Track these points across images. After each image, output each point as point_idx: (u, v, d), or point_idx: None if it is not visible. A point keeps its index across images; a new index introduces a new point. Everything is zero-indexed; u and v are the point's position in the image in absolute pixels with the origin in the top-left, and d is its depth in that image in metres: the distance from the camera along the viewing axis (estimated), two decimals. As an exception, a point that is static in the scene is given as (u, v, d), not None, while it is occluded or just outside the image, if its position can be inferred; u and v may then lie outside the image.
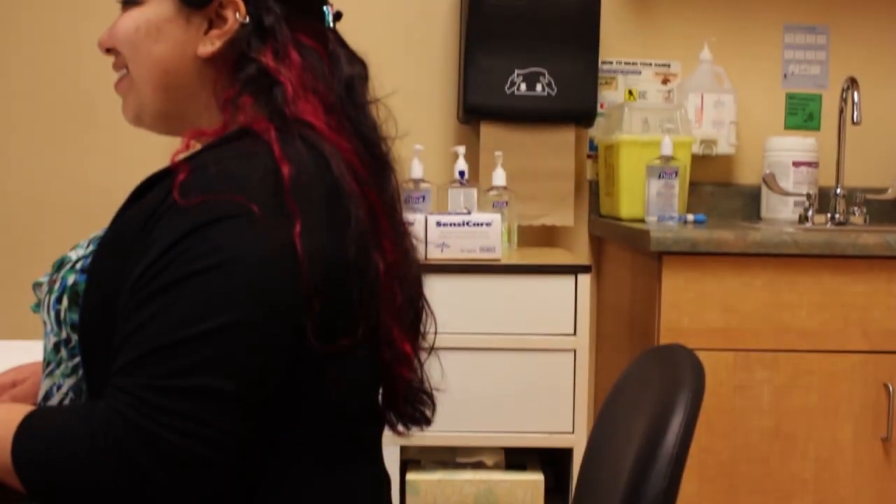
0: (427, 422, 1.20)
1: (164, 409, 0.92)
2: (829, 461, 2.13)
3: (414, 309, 1.15)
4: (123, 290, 0.98)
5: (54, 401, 1.07)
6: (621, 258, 2.47)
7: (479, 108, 2.55)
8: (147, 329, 0.93)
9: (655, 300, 2.10)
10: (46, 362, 1.09)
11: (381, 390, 1.16)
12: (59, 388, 1.08)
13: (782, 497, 2.14)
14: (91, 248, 1.08)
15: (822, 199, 2.65)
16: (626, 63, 2.76)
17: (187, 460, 0.92)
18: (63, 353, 1.07)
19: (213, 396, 0.93)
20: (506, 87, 2.52)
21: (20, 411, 0.99)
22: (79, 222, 2.68)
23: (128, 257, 0.99)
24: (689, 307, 2.08)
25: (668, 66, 2.77)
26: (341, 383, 1.04)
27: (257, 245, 0.95)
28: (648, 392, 1.20)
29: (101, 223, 1.10)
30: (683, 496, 2.14)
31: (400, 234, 1.12)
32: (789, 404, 2.12)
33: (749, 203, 2.76)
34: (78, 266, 1.06)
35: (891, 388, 2.10)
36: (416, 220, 2.10)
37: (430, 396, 1.20)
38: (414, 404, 1.18)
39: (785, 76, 2.79)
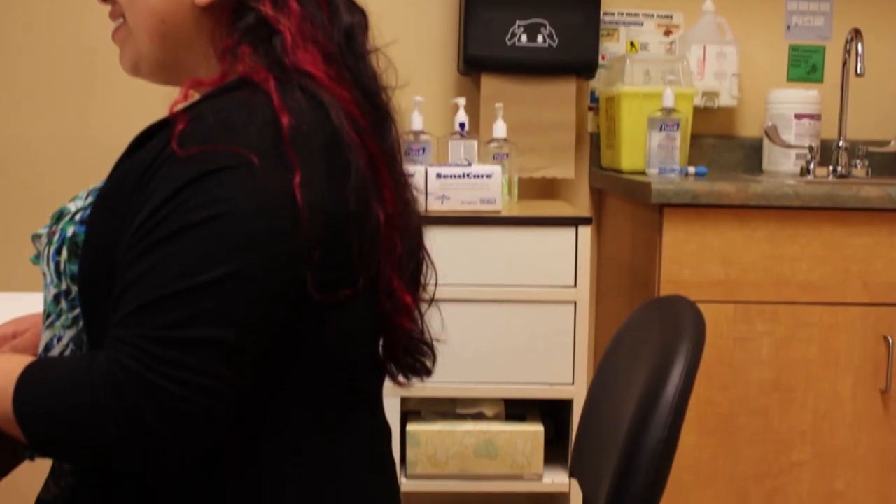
0: (427, 372, 1.21)
1: (164, 359, 0.92)
2: (828, 413, 2.14)
3: (414, 260, 1.15)
4: (122, 240, 0.97)
5: (55, 352, 1.07)
6: (622, 210, 2.47)
7: (479, 59, 2.53)
8: (147, 280, 0.93)
9: (656, 252, 2.10)
10: (46, 314, 1.09)
11: (381, 341, 1.16)
12: (59, 339, 1.08)
13: (781, 448, 2.15)
14: (90, 199, 1.07)
15: (824, 152, 2.64)
16: (628, 14, 2.74)
17: (188, 411, 0.92)
18: (63, 304, 1.07)
19: (213, 347, 0.93)
20: (506, 39, 2.50)
21: (21, 362, 0.99)
22: (78, 174, 2.68)
23: (127, 208, 0.99)
24: (689, 259, 2.08)
25: (671, 17, 2.74)
26: (341, 334, 1.04)
27: (257, 195, 0.94)
28: (649, 343, 1.20)
29: (100, 175, 1.09)
30: (683, 447, 2.15)
31: (400, 184, 1.11)
32: (789, 356, 2.12)
33: (751, 156, 2.75)
34: (77, 217, 1.06)
35: (890, 341, 2.11)
36: (417, 171, 2.10)
37: (431, 347, 1.20)
38: (414, 355, 1.18)
39: (788, 28, 2.77)
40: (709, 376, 2.11)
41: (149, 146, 1.02)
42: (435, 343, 1.20)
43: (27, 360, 1.00)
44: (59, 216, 1.08)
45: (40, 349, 1.09)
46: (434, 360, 1.21)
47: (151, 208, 0.95)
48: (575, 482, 2.21)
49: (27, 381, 0.96)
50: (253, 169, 0.94)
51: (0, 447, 1.06)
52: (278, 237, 0.95)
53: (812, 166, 2.54)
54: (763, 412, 2.14)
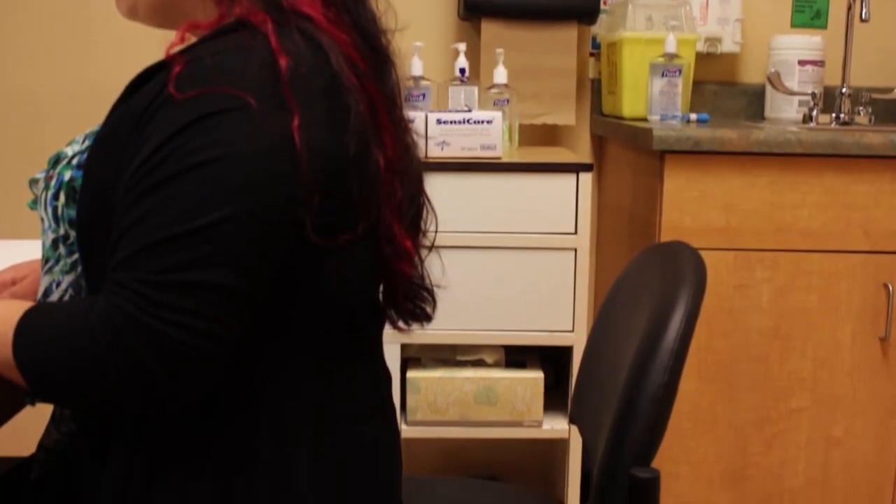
0: (427, 318, 1.21)
1: (162, 303, 0.91)
2: (827, 360, 2.15)
3: (414, 205, 1.14)
4: (120, 184, 0.97)
5: (54, 298, 1.07)
6: (623, 157, 2.46)
7: (479, 4, 2.50)
8: (144, 224, 0.93)
9: (657, 199, 2.09)
10: (45, 259, 1.08)
11: (381, 287, 1.16)
12: (58, 284, 1.07)
13: (780, 396, 2.16)
14: (87, 143, 1.06)
15: (828, 99, 2.62)
16: (631, -42, 2.70)
17: (186, 354, 0.92)
18: (61, 249, 1.07)
19: (212, 290, 0.92)
20: (507, -17, 2.48)
21: (20, 308, 0.99)
22: (75, 119, 2.66)
23: (124, 152, 0.98)
24: (690, 206, 2.07)
25: (674, -39, 2.71)
26: (341, 279, 1.04)
27: (255, 138, 0.93)
28: (649, 288, 1.20)
29: (96, 119, 1.08)
30: (682, 394, 2.16)
31: (400, 129, 1.11)
32: (789, 304, 2.13)
33: (753, 102, 2.73)
34: (74, 162, 1.05)
35: (891, 288, 2.11)
36: (417, 117, 2.08)
37: (431, 293, 1.20)
38: (414, 301, 1.18)
39: (792, -28, 2.74)
40: (708, 323, 2.11)
41: (145, 89, 1.01)
42: (435, 289, 1.20)
43: (26, 305, 1.00)
44: (56, 161, 1.07)
45: (39, 295, 1.09)
46: (434, 306, 1.21)
47: (149, 151, 0.94)
48: (575, 428, 2.23)
49: (26, 327, 0.96)
50: (251, 111, 0.93)
51: (1, 393, 1.06)
52: (277, 180, 0.95)
53: (815, 113, 2.52)
54: (762, 359, 2.14)
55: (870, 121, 2.58)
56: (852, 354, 2.15)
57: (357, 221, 1.03)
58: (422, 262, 1.17)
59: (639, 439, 1.02)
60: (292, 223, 0.97)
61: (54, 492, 1.12)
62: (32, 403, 1.07)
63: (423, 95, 2.37)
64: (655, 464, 1.05)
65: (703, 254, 1.22)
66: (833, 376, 2.15)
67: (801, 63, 2.57)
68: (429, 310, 1.20)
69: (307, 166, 0.96)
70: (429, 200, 1.19)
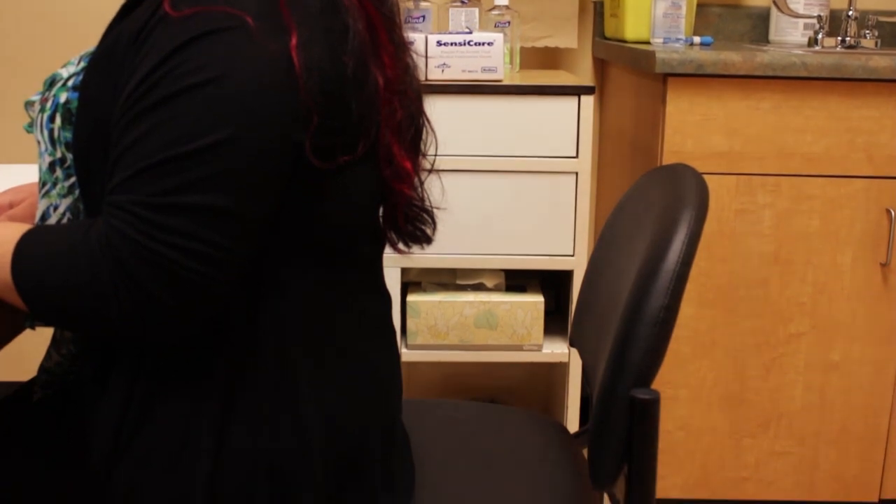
0: (428, 240, 1.20)
1: (162, 226, 0.91)
2: (828, 286, 2.15)
3: (414, 126, 1.13)
4: (116, 105, 0.95)
5: (51, 221, 1.06)
6: (625, 81, 2.43)
7: (481, -77, 2.46)
8: (142, 145, 0.92)
9: (659, 123, 2.08)
10: (42, 183, 1.08)
11: (381, 209, 1.15)
12: (55, 208, 1.07)
13: (779, 320, 2.17)
14: (82, 64, 1.05)
15: (833, 22, 2.59)
16: None
17: (187, 278, 0.92)
18: (59, 172, 1.06)
19: (211, 213, 0.92)
20: None
21: (18, 230, 0.98)
22: (70, 39, 2.63)
23: (119, 72, 0.97)
24: (693, 130, 2.06)
25: None
26: (341, 201, 1.03)
27: (252, 58, 0.92)
28: (651, 211, 1.19)
29: (93, 40, 1.07)
30: (682, 319, 2.17)
31: (399, 48, 1.09)
32: (790, 229, 2.12)
33: (758, 25, 2.70)
34: (70, 83, 1.04)
35: (892, 214, 2.10)
36: (417, 39, 2.06)
37: (431, 215, 1.19)
38: (414, 223, 1.18)
39: None
40: (709, 248, 2.11)
41: (141, 8, 1.00)
42: (435, 211, 1.20)
43: (24, 228, 0.99)
44: (52, 82, 1.06)
45: (37, 218, 1.08)
46: (434, 228, 1.20)
47: (145, 72, 0.93)
48: (574, 352, 2.24)
49: (25, 249, 0.96)
50: (248, 30, 0.92)
51: (1, 316, 1.06)
52: (275, 100, 0.93)
53: (820, 36, 2.49)
54: (762, 284, 2.15)
55: (876, 44, 2.55)
56: (852, 280, 2.15)
57: (356, 142, 1.02)
58: (422, 183, 1.17)
59: (639, 361, 1.03)
60: (291, 145, 0.96)
61: (55, 415, 1.12)
62: (32, 327, 1.07)
63: (423, 17, 2.34)
64: (654, 388, 1.06)
65: (705, 178, 1.21)
66: (833, 301, 2.16)
67: (807, -15, 2.53)
68: (429, 231, 1.20)
69: (305, 86, 0.94)
70: (428, 122, 1.18)
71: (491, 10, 2.36)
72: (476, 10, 2.34)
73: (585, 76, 2.73)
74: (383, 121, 1.05)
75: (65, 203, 1.06)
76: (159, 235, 0.91)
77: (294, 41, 0.94)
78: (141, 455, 1.02)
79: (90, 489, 1.05)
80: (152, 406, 1.02)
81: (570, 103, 2.13)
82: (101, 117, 0.98)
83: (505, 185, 2.17)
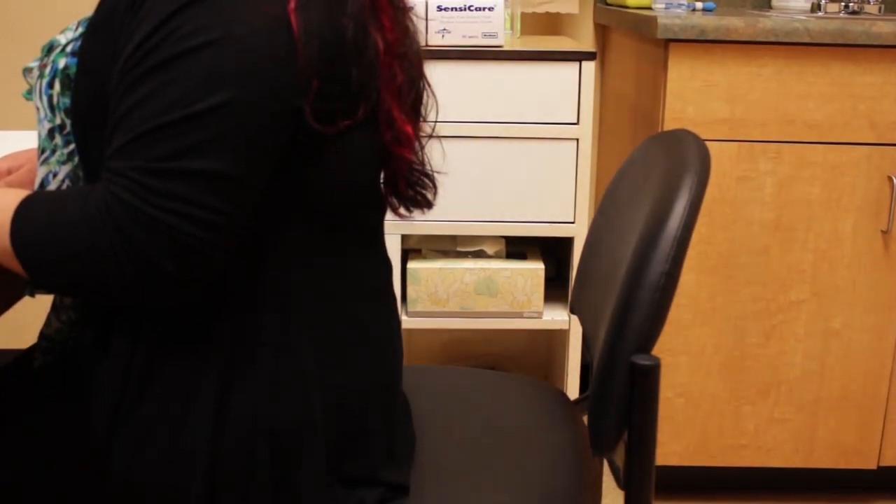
0: (429, 204, 1.20)
1: (162, 192, 0.91)
2: (828, 253, 2.15)
3: (414, 89, 1.13)
4: (115, 70, 0.95)
5: (51, 188, 1.06)
6: (626, 47, 2.42)
7: None
8: (140, 110, 0.91)
9: (661, 89, 2.07)
10: (41, 149, 1.07)
11: (382, 174, 1.15)
12: (55, 175, 1.06)
13: (780, 288, 2.17)
14: (80, 29, 1.04)
15: (836, -13, 2.57)
16: None
17: (187, 244, 0.92)
18: (58, 139, 1.06)
19: (211, 178, 0.92)
20: None
21: (17, 196, 0.98)
22: (67, 6, 2.61)
23: (118, 37, 0.96)
24: (694, 97, 2.05)
25: None
26: (341, 165, 1.03)
27: (251, 21, 0.92)
28: (652, 177, 1.19)
29: (90, 6, 1.06)
30: (682, 286, 2.17)
31: (399, 11, 1.08)
32: (791, 196, 2.12)
33: (760, -10, 2.69)
34: (68, 49, 1.04)
35: (894, 181, 2.10)
36: (416, 4, 2.05)
37: (432, 179, 1.19)
38: (415, 187, 1.18)
39: None
40: (710, 216, 2.11)
41: (138, -27, 0.99)
42: (436, 176, 1.20)
43: (24, 194, 0.99)
44: (50, 48, 1.06)
45: (36, 185, 1.08)
46: (435, 192, 1.20)
47: (143, 35, 0.92)
48: (575, 319, 2.24)
49: (24, 215, 0.96)
50: None
51: (1, 282, 1.06)
52: (274, 63, 0.93)
53: (823, 2, 2.48)
54: (763, 252, 2.15)
55: (879, 10, 2.53)
56: (853, 247, 2.15)
57: (356, 106, 1.01)
58: (422, 148, 1.17)
59: (640, 327, 1.03)
60: (291, 108, 0.96)
61: (56, 382, 1.13)
62: (32, 294, 1.07)
63: (424, -18, 2.32)
64: (655, 354, 1.06)
65: (707, 145, 1.21)
66: (833, 269, 2.16)
67: (811, -50, 2.51)
68: (430, 196, 1.20)
69: (305, 49, 0.94)
70: (429, 85, 1.17)
71: (491, -25, 2.34)
72: (476, -25, 2.32)
73: (586, 42, 2.71)
74: (383, 84, 1.05)
75: (64, 170, 1.06)
76: (158, 201, 0.91)
77: (293, 4, 0.93)
78: (142, 420, 1.02)
79: (91, 456, 1.05)
80: (152, 371, 1.02)
81: (571, 69, 2.12)
82: (99, 82, 0.98)
83: (505, 152, 2.16)
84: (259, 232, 1.01)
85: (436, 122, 1.19)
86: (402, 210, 1.19)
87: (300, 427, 1.04)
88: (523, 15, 2.57)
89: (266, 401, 1.03)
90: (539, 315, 2.26)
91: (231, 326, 1.02)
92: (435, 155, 1.19)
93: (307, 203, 1.03)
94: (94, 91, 0.99)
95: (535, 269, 2.23)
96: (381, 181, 1.16)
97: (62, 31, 1.06)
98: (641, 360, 1.04)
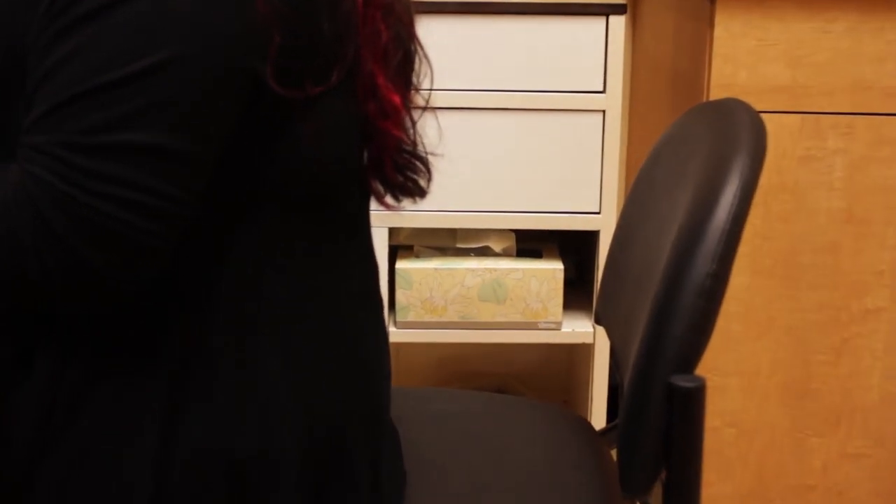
0: (421, 192, 1.20)
1: (91, 172, 0.91)
2: (912, 249, 2.15)
3: (403, 51, 1.13)
4: (33, 25, 0.95)
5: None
6: (664, -2, 2.43)
7: None
8: (63, 72, 0.91)
9: (705, 50, 2.07)
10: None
11: (365, 155, 1.15)
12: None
13: (852, 293, 2.17)
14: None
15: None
16: None
17: (125, 234, 0.92)
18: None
19: (151, 154, 0.92)
20: None
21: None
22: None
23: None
24: (747, 59, 2.05)
25: None
26: (314, 142, 1.03)
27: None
28: (695, 157, 1.19)
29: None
30: (732, 291, 2.17)
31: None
32: (867, 181, 2.12)
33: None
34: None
35: None
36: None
37: (425, 162, 1.19)
38: (405, 171, 1.18)
39: None
40: (766, 204, 2.11)
41: None
42: (430, 157, 1.20)
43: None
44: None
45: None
46: (429, 178, 1.20)
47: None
48: (601, 330, 2.24)
49: None
50: None
51: None
52: (226, 13, 0.93)
53: (905, -58, 2.48)
54: (832, 249, 2.15)
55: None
56: (942, 242, 2.15)
57: (330, 69, 1.01)
58: (414, 124, 1.17)
59: (680, 340, 1.03)
60: (247, 69, 0.96)
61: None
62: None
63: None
64: (698, 374, 1.06)
65: (762, 118, 1.21)
66: (918, 269, 2.16)
67: None
68: (423, 182, 1.20)
69: (263, -2, 0.94)
70: (422, 48, 1.18)
71: None
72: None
73: (615, -8, 2.72)
74: (364, 43, 1.05)
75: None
76: (89, 184, 0.91)
77: None
78: (71, 452, 1.02)
79: (7, 497, 1.05)
80: (85, 393, 1.02)
81: (595, 25, 2.12)
82: (16, 42, 0.98)
83: (516, 127, 2.16)
84: (213, 221, 1.00)
85: (431, 90, 1.19)
86: (388, 199, 1.19)
87: (265, 458, 1.05)
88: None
89: (224, 426, 1.03)
90: (557, 326, 2.26)
91: (181, 338, 1.03)
92: (430, 132, 1.19)
93: (273, 188, 1.03)
94: (11, 52, 0.99)
95: (552, 269, 2.23)
96: (364, 163, 1.15)
97: None
98: (682, 382, 1.04)
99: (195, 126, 0.94)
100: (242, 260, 1.03)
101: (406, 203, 1.21)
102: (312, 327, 1.08)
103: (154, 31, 0.90)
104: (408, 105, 1.15)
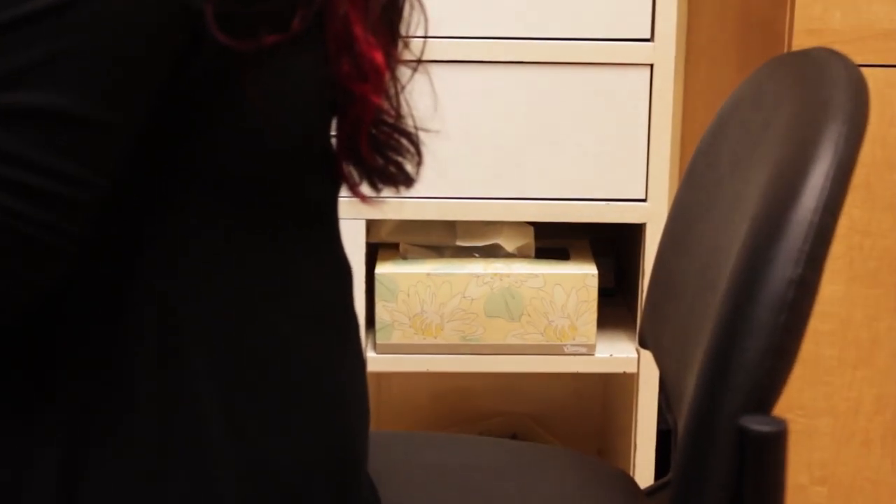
0: (407, 180, 1.21)
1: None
2: None
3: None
4: None
5: None
6: (732, -83, 2.43)
7: None
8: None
9: (787, -15, 2.08)
10: None
11: (336, 128, 1.15)
12: None
13: (980, 305, 2.17)
14: None
15: None
16: None
17: (16, 228, 0.92)
18: None
19: (53, 121, 0.92)
20: None
21: None
22: None
23: None
24: (841, -3, 2.06)
25: None
26: (270, 109, 1.03)
27: None
28: (774, 126, 1.20)
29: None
30: (822, 302, 2.17)
31: None
32: None
33: None
34: None
35: None
36: None
37: (413, 140, 1.19)
38: (386, 152, 1.18)
39: None
40: (868, 188, 2.11)
41: None
42: (420, 133, 1.20)
43: None
44: None
45: None
46: (419, 161, 1.21)
47: None
48: (648, 356, 2.25)
49: None
50: None
51: None
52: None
53: None
54: (953, 247, 2.15)
55: None
56: None
57: (290, 13, 1.01)
58: (402, 89, 1.17)
59: (753, 369, 1.03)
60: (182, 10, 0.96)
61: None
62: None
63: None
64: (779, 413, 1.06)
65: (863, 73, 1.21)
66: None
67: None
68: (409, 166, 1.20)
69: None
70: (412, -14, 1.18)
71: None
72: None
73: None
74: (335, -19, 1.05)
75: None
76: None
77: None
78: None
79: None
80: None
81: (641, -48, 2.13)
82: None
83: (538, 88, 2.16)
84: (137, 211, 1.01)
85: (425, 40, 1.18)
86: (364, 187, 1.19)
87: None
88: None
89: (141, 482, 1.04)
90: (590, 350, 2.26)
91: (85, 366, 1.03)
92: (422, 99, 1.19)
93: (214, 171, 1.03)
94: None
95: (583, 275, 2.24)
96: (334, 139, 1.15)
97: None
98: (756, 425, 1.05)
99: (107, 85, 0.93)
100: (170, 268, 1.04)
101: (388, 193, 1.20)
102: (264, 356, 1.09)
103: None
104: (392, 64, 1.14)
